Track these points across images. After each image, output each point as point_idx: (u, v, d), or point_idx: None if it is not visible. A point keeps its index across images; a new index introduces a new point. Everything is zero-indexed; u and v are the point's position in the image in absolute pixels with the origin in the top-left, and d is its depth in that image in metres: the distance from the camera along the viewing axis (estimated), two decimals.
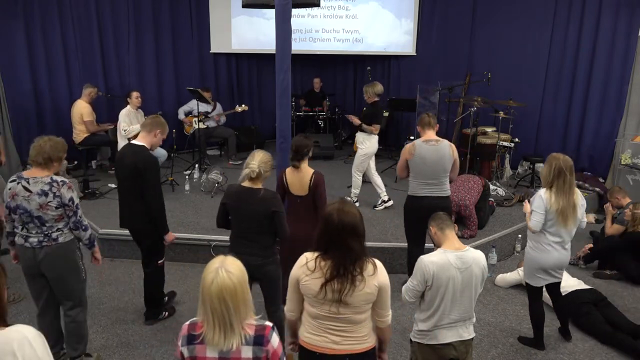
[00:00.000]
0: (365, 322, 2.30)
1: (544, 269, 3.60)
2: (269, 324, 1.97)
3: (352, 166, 5.97)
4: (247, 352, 1.89)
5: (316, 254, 2.26)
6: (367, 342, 2.33)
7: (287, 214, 3.91)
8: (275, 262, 3.37)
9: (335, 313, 2.23)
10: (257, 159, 3.21)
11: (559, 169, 3.39)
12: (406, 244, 4.44)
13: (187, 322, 1.99)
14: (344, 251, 2.18)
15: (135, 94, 6.58)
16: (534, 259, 3.61)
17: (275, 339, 1.95)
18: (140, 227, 3.87)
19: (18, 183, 3.07)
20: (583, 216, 3.57)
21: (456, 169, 4.18)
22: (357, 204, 5.99)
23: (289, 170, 3.84)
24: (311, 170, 3.77)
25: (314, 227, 3.84)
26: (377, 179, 6.02)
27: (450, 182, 4.22)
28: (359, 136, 5.85)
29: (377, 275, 2.24)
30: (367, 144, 5.78)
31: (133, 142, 3.81)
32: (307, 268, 2.24)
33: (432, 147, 4.03)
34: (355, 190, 6.00)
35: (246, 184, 3.23)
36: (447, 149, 4.05)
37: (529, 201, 3.66)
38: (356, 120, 5.80)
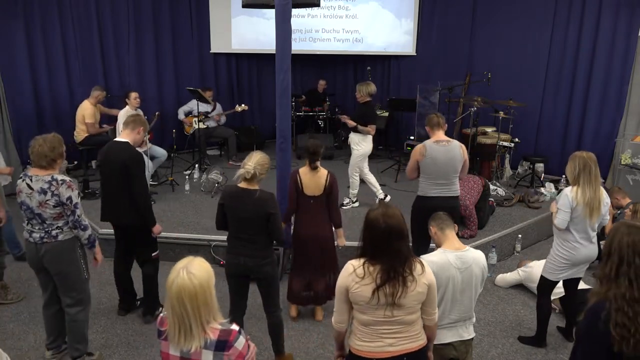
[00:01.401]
0: (417, 321, 2.31)
1: (573, 264, 3.60)
2: (235, 328, 1.93)
3: (349, 167, 5.95)
4: (208, 356, 1.87)
5: (362, 260, 2.23)
6: (421, 339, 2.33)
7: (299, 215, 3.94)
8: (273, 262, 3.38)
9: (389, 317, 2.22)
10: (254, 160, 3.20)
11: (583, 162, 3.42)
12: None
13: (161, 315, 2.00)
14: (393, 255, 2.17)
15: (133, 95, 6.59)
16: (562, 256, 3.59)
17: (240, 342, 1.91)
18: (132, 222, 3.89)
19: (23, 180, 3.15)
20: (607, 213, 3.59)
21: (465, 168, 4.20)
22: (356, 204, 6.00)
23: (303, 171, 3.87)
24: (325, 171, 3.88)
25: (327, 225, 3.93)
26: (371, 178, 6.02)
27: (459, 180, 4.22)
28: (354, 137, 5.80)
29: (426, 273, 2.25)
30: (363, 144, 5.75)
31: (117, 139, 3.88)
32: (356, 275, 2.20)
33: (443, 147, 4.02)
34: (353, 191, 5.99)
35: (242, 184, 3.23)
36: (458, 150, 4.05)
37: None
38: (351, 123, 5.73)
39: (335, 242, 4.07)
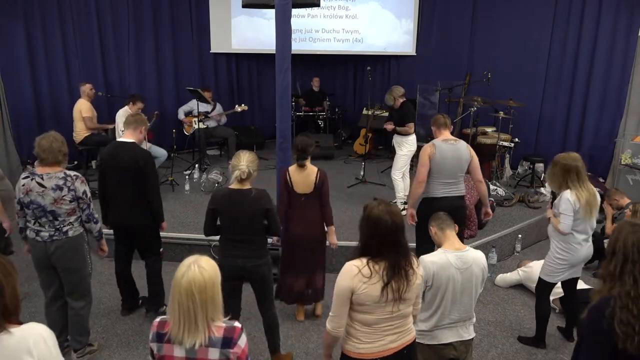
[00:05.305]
0: (411, 313, 2.38)
1: (572, 265, 3.62)
2: (237, 325, 1.95)
3: (392, 170, 5.87)
4: (214, 353, 1.89)
5: (364, 259, 2.21)
6: (413, 330, 2.41)
7: (290, 213, 3.93)
8: (269, 262, 3.39)
9: (394, 312, 2.25)
10: (245, 159, 3.18)
11: (566, 167, 3.43)
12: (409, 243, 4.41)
13: (157, 319, 1.99)
14: (399, 250, 2.21)
15: (140, 105, 6.56)
16: (562, 258, 3.58)
17: (243, 340, 1.94)
18: (142, 223, 3.89)
19: (32, 179, 3.13)
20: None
21: (477, 167, 4.12)
22: (403, 212, 5.81)
23: (292, 170, 3.86)
24: (315, 168, 3.86)
25: (318, 224, 3.92)
26: (401, 184, 5.84)
27: (480, 182, 4.16)
28: (396, 139, 5.85)
29: (419, 265, 2.35)
30: (404, 146, 5.73)
31: (122, 139, 3.86)
32: (362, 276, 2.17)
33: (451, 146, 4.00)
34: (399, 194, 5.82)
35: (235, 186, 3.21)
36: (465, 149, 4.04)
37: (551, 206, 3.67)
38: (389, 127, 5.85)
39: (327, 243, 4.02)
